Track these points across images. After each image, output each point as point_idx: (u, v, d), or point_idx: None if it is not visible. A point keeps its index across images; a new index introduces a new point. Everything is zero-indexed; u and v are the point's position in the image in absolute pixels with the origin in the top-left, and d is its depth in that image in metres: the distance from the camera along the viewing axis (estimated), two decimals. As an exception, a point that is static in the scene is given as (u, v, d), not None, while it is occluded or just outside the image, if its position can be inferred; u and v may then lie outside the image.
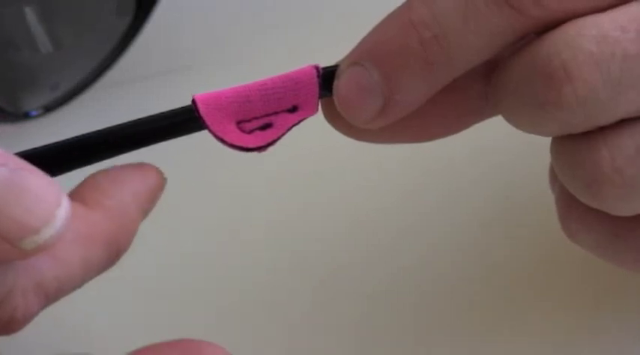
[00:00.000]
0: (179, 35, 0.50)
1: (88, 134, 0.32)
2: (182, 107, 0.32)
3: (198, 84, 0.47)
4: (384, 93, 0.31)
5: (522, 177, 0.44)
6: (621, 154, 0.30)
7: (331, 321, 0.41)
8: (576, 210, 0.32)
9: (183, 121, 0.32)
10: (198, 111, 0.32)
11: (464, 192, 0.44)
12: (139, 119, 0.33)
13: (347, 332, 0.41)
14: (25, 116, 0.46)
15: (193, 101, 0.32)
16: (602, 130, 0.30)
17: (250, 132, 0.32)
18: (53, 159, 0.33)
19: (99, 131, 0.32)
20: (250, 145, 0.32)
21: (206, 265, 0.43)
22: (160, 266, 0.43)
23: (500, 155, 0.45)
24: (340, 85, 0.32)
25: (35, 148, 0.33)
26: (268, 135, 0.32)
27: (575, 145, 0.30)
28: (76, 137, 0.33)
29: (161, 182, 0.33)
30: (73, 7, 0.44)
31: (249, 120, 0.32)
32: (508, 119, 0.31)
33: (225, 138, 0.32)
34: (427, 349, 0.41)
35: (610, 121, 0.30)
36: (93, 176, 0.33)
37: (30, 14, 0.43)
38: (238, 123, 0.32)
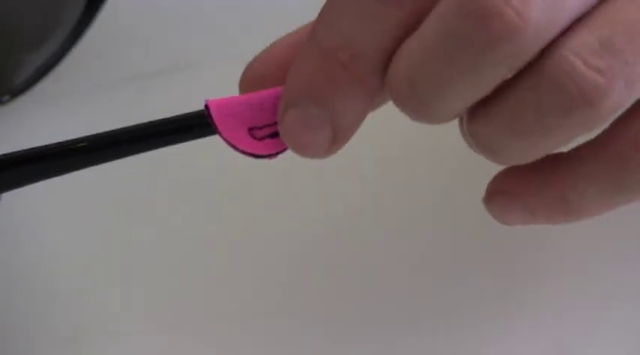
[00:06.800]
0: (179, 34, 0.50)
1: (102, 133, 0.33)
2: (194, 111, 0.33)
3: (198, 83, 0.48)
4: (330, 123, 0.31)
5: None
6: (589, 52, 0.29)
7: (328, 322, 0.42)
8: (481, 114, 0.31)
9: (194, 126, 0.33)
10: (210, 117, 0.32)
11: (461, 194, 0.44)
12: (152, 121, 0.33)
13: (345, 333, 0.41)
14: None
15: (206, 106, 0.32)
16: (556, 43, 0.29)
17: (261, 139, 0.33)
18: (61, 158, 0.33)
19: (111, 131, 0.33)
20: (261, 153, 0.33)
21: (199, 264, 0.43)
22: (155, 266, 0.43)
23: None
24: (286, 129, 0.32)
25: (46, 145, 0.33)
26: (279, 143, 0.33)
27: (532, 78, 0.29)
28: (88, 136, 0.33)
29: None
30: None
31: (260, 127, 0.33)
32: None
33: (237, 145, 0.32)
34: (425, 347, 0.41)
35: (558, 32, 0.29)
36: None
37: None
38: (250, 129, 0.33)
